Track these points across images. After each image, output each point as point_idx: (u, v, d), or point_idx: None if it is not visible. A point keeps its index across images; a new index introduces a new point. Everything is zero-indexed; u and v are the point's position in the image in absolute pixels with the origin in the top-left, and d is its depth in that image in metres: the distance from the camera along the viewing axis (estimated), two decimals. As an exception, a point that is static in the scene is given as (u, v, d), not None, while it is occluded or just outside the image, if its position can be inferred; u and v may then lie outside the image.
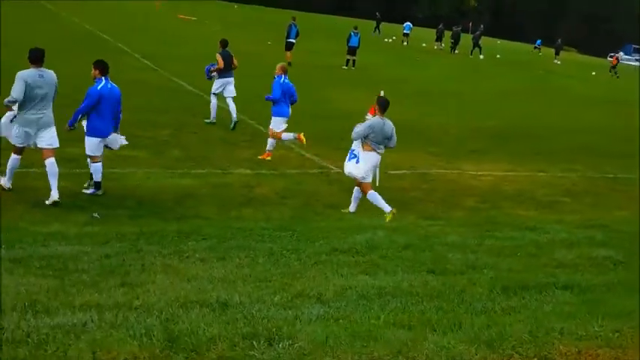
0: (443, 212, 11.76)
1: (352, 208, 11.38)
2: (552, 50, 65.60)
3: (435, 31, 57.57)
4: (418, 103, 24.31)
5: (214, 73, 17.07)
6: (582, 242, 9.64)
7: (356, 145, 11.15)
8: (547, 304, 6.15)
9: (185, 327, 4.90)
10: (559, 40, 65.96)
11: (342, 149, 15.54)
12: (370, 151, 11.06)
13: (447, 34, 54.78)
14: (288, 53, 31.04)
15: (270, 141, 14.46)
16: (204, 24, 46.99)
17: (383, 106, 11.22)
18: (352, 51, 33.61)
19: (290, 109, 14.68)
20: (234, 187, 12.12)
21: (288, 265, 7.41)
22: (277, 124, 14.43)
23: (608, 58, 68.56)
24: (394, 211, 10.91)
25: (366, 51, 37.27)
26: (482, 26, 58.85)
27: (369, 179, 11.24)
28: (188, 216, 10.22)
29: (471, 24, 74.92)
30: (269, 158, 14.31)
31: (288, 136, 14.34)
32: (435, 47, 54.98)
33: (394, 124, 11.39)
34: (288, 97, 14.59)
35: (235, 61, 17.32)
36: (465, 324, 5.35)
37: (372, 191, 11.20)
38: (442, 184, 13.93)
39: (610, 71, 53.35)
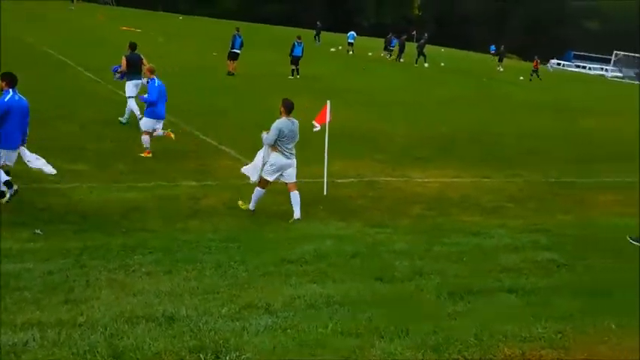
0: (390, 220, 11.83)
1: (297, 214, 11.47)
2: (495, 57, 66.76)
3: (383, 40, 58.05)
4: (365, 111, 24.47)
5: (118, 75, 17.66)
6: (526, 246, 9.81)
7: (263, 151, 11.45)
8: (492, 307, 6.25)
9: (130, 342, 4.84)
10: (502, 48, 67.08)
11: (290, 159, 15.60)
12: (278, 154, 11.27)
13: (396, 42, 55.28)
14: (231, 63, 31.02)
15: (145, 139, 14.90)
16: (148, 36, 46.55)
17: (288, 107, 11.44)
18: (296, 61, 33.70)
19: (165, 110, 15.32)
20: (180, 199, 12.00)
21: (236, 277, 7.37)
22: (149, 125, 14.87)
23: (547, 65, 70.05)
24: (247, 207, 11.43)
25: (313, 61, 37.41)
26: (426, 35, 59.58)
27: (272, 178, 11.50)
28: (134, 229, 10.07)
29: (415, 32, 75.75)
30: (150, 155, 14.72)
31: (151, 137, 14.87)
32: (382, 55, 55.45)
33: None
34: (163, 98, 15.13)
35: (146, 63, 17.66)
36: (412, 330, 5.39)
37: (262, 190, 11.49)
38: (389, 191, 14.02)
39: (531, 75, 54.44)
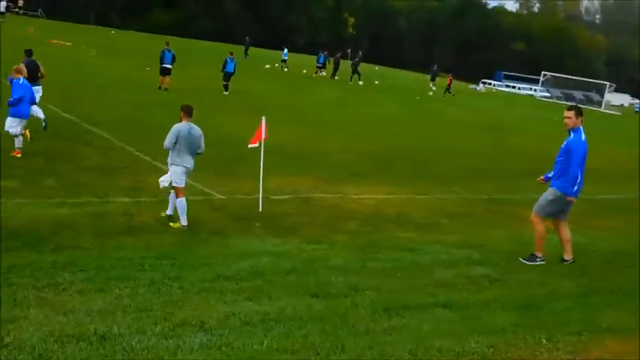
0: (326, 236, 11.83)
1: (170, 210, 11.64)
2: (428, 77, 68.09)
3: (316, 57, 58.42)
4: (300, 128, 24.53)
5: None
6: (460, 262, 9.96)
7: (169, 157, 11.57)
8: (427, 322, 6.29)
9: (60, 363, 4.70)
10: (435, 67, 68.38)
11: (226, 175, 15.52)
12: (179, 158, 11.38)
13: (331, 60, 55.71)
14: (163, 78, 30.72)
15: (16, 140, 14.98)
16: (80, 49, 45.80)
17: (187, 111, 11.71)
18: (228, 77, 33.60)
19: (30, 110, 15.49)
20: (113, 216, 11.76)
21: (170, 294, 7.27)
22: (14, 124, 14.99)
23: (474, 86, 71.52)
24: (183, 227, 11.20)
25: (247, 77, 37.37)
26: (360, 53, 60.29)
27: (182, 184, 11.46)
28: (64, 247, 9.80)
29: (350, 50, 76.50)
30: (19, 155, 14.82)
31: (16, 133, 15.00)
32: (314, 75, 55.74)
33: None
34: (29, 98, 15.36)
35: (43, 70, 17.94)
36: (348, 346, 5.39)
37: (183, 199, 11.42)
38: (325, 208, 14.04)
39: (445, 92, 55.61)
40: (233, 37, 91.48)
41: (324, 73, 55.39)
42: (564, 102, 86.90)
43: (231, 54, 34.51)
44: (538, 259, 9.99)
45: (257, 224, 12.20)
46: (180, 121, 11.65)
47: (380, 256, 10.06)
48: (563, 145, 10.25)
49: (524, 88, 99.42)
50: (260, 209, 12.98)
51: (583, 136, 10.06)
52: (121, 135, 17.51)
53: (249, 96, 32.59)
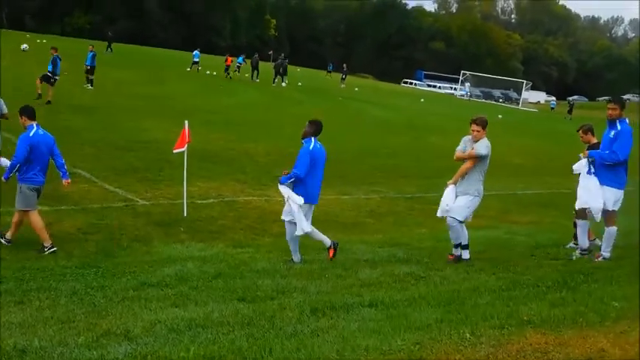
0: (252, 239, 11.82)
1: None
2: (340, 75, 69.56)
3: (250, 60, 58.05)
4: (223, 131, 24.36)
5: None
6: (385, 261, 10.09)
7: None
8: (354, 322, 6.35)
9: (-23, 379, 4.55)
10: (345, 67, 69.64)
11: (148, 180, 15.30)
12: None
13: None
14: (46, 86, 26.38)
15: None
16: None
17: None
18: (90, 70, 32.77)
19: None
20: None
21: (93, 304, 7.13)
22: None
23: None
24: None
25: (169, 80, 36.90)
26: (283, 54, 60.36)
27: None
28: (-20, 259, 9.51)
29: (271, 52, 76.51)
30: None
31: None
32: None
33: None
34: None
35: None
36: (276, 349, 5.40)
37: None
38: (250, 211, 14.01)
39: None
40: (154, 39, 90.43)
41: (257, 80, 54.55)
42: (483, 100, 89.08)
43: (92, 47, 33.85)
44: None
45: (182, 229, 12.09)
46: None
47: (306, 258, 10.10)
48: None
49: (444, 87, 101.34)
50: (184, 214, 12.85)
51: None
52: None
53: (170, 100, 32.19)
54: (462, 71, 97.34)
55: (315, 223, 13.54)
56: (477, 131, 9.80)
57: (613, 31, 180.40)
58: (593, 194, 9.69)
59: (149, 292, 7.63)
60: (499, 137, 38.10)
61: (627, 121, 9.78)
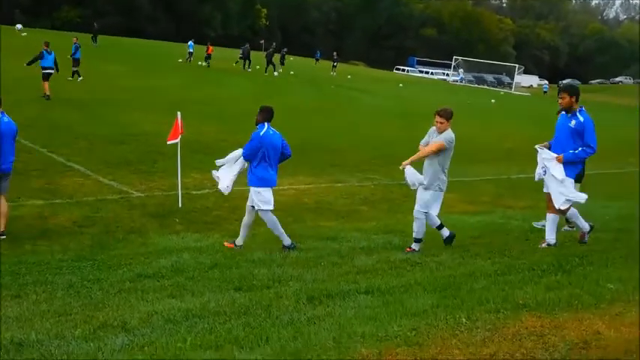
0: (247, 229, 11.81)
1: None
2: (331, 63, 69.36)
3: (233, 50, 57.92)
4: (216, 122, 24.33)
5: None
6: (380, 247, 10.11)
7: None
8: (350, 309, 6.37)
9: (-26, 374, 4.56)
10: (335, 54, 69.42)
11: (142, 172, 15.29)
12: None
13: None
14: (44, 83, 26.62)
15: None
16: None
17: None
18: (75, 62, 32.88)
19: None
20: (26, 219, 11.44)
21: (90, 296, 7.14)
22: None
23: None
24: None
25: (161, 72, 36.76)
26: (274, 44, 60.19)
27: None
28: (-24, 254, 9.50)
29: (263, 42, 76.27)
30: None
31: None
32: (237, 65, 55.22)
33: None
34: None
35: None
36: (272, 338, 5.41)
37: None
38: (244, 201, 13.94)
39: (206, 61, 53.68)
40: (147, 33, 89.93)
41: (250, 70, 54.42)
42: (476, 85, 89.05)
43: (76, 39, 33.90)
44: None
45: (177, 220, 12.10)
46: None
47: (302, 246, 10.12)
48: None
49: (437, 73, 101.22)
50: (179, 205, 12.86)
51: None
52: (29, 136, 16.96)
53: (163, 91, 32.10)
54: (454, 57, 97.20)
55: (309, 212, 13.60)
56: (441, 123, 9.98)
57: (605, 14, 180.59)
58: (567, 187, 9.62)
59: (145, 284, 7.64)
60: (493, 122, 38.28)
61: (584, 108, 9.83)
